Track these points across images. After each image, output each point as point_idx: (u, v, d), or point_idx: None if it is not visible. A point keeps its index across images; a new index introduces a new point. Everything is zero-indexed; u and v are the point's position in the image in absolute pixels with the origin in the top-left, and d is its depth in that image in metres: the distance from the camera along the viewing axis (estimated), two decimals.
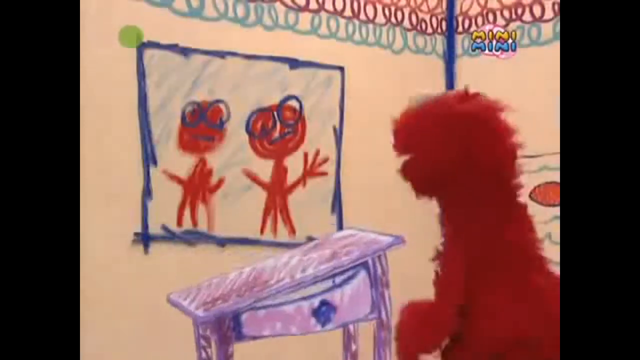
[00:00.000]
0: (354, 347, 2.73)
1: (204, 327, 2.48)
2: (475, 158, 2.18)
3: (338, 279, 2.49)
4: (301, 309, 2.45)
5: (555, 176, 3.97)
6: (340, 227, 3.89)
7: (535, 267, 2.22)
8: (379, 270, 2.57)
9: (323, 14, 3.97)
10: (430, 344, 2.22)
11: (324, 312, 2.48)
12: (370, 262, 2.56)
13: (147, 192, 3.46)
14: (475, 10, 4.35)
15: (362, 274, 2.54)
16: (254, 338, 2.46)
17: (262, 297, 2.45)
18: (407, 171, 2.26)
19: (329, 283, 2.48)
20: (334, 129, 3.98)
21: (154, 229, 3.46)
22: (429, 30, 4.35)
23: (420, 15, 4.32)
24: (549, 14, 4.12)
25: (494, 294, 2.16)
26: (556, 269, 2.19)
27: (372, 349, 2.60)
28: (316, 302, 2.46)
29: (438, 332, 2.21)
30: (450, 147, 2.17)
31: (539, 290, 2.16)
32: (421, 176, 2.24)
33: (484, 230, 2.20)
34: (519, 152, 2.29)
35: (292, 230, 3.79)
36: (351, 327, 2.71)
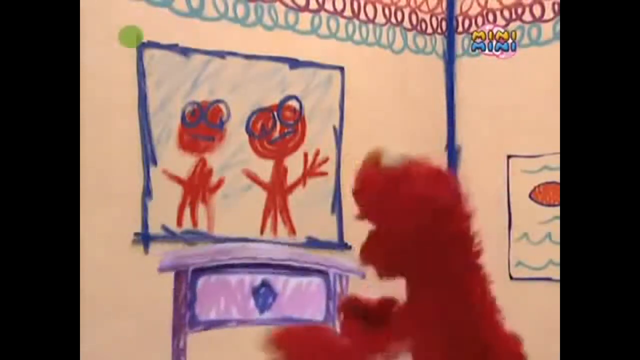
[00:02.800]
0: None
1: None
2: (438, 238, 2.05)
3: (289, 270, 2.56)
4: (243, 282, 2.57)
5: (555, 176, 3.98)
6: (340, 227, 3.89)
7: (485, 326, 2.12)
8: (338, 288, 2.61)
9: (323, 14, 3.97)
10: None
11: (262, 293, 2.60)
12: (331, 275, 2.62)
13: (147, 192, 3.46)
14: (475, 10, 4.35)
15: (318, 280, 2.60)
16: (205, 326, 2.48)
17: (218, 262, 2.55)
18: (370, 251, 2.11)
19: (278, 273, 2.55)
20: (334, 129, 3.98)
21: (154, 229, 3.46)
22: (429, 30, 4.35)
23: (420, 15, 4.32)
24: (549, 14, 4.12)
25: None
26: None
27: None
28: (258, 279, 2.59)
29: None
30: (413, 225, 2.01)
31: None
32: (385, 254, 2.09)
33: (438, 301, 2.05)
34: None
35: (292, 230, 3.78)
36: None
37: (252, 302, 2.52)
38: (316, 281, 2.61)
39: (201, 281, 2.49)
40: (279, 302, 2.54)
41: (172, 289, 2.42)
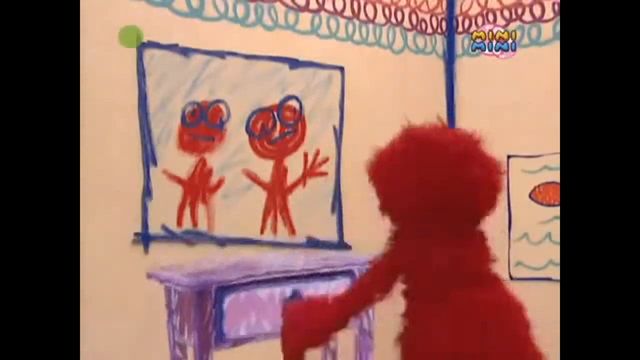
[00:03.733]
0: (332, 345, 2.76)
1: (180, 324, 2.48)
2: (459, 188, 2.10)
3: (317, 276, 2.63)
4: (273, 295, 2.54)
5: (555, 176, 3.98)
6: (340, 227, 3.89)
7: (480, 283, 2.13)
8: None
9: (323, 14, 3.97)
10: (317, 338, 2.18)
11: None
12: (356, 272, 2.72)
13: (147, 192, 3.46)
14: (475, 10, 4.35)
15: (345, 282, 2.67)
16: (233, 342, 2.47)
17: (245, 278, 2.55)
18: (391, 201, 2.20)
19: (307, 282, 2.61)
20: (334, 129, 3.98)
21: (154, 229, 3.46)
22: (429, 30, 4.35)
23: (420, 15, 4.32)
24: (549, 14, 4.13)
25: (433, 310, 2.10)
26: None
27: (352, 350, 2.62)
28: (288, 290, 2.56)
29: (324, 327, 2.17)
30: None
31: (479, 305, 2.08)
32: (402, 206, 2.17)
33: (428, 247, 2.12)
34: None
35: (292, 230, 3.79)
36: None
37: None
38: (344, 282, 2.64)
39: (228, 299, 2.48)
40: None
41: (193, 305, 2.39)
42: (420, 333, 2.09)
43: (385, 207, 2.22)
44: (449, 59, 4.38)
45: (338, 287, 2.61)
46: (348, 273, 2.70)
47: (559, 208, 3.86)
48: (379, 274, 2.20)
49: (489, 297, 2.09)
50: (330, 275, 2.66)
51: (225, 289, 2.46)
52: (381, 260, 2.22)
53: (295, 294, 2.58)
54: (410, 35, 4.28)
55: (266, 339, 2.53)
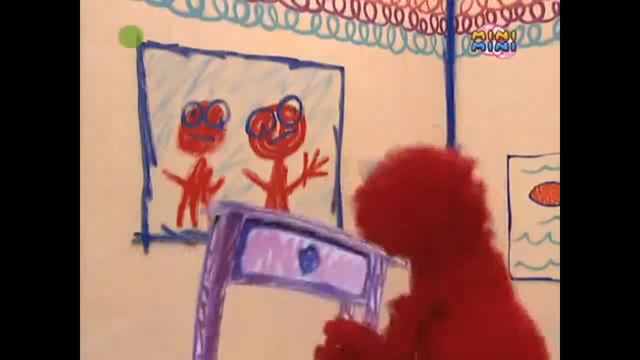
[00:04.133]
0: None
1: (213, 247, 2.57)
2: (457, 211, 2.01)
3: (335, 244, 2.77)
4: (292, 243, 2.68)
5: (555, 176, 3.98)
6: (340, 227, 3.89)
7: (500, 298, 2.09)
8: (378, 269, 2.82)
9: (323, 14, 3.97)
10: None
11: (309, 256, 2.71)
12: (372, 258, 2.80)
13: (147, 192, 3.46)
14: (475, 10, 4.35)
15: (360, 259, 2.80)
16: (249, 279, 2.58)
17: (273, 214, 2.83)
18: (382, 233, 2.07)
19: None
20: (334, 129, 3.98)
21: (154, 229, 3.46)
22: (429, 30, 4.35)
23: (420, 15, 4.32)
24: (549, 14, 4.13)
25: (453, 326, 2.05)
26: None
27: None
28: (306, 243, 2.70)
29: None
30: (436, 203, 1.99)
31: (501, 321, 2.05)
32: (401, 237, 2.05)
33: (447, 268, 2.02)
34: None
35: None
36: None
37: (296, 262, 2.71)
38: (358, 259, 2.81)
39: (253, 232, 2.61)
40: (322, 268, 2.74)
41: (223, 233, 2.51)
42: (433, 350, 2.04)
43: (388, 250, 2.16)
44: (449, 59, 4.38)
45: (351, 260, 2.77)
46: (363, 254, 2.80)
47: (559, 208, 3.86)
48: (415, 310, 2.06)
49: (514, 313, 2.04)
50: (347, 248, 2.78)
51: (253, 221, 2.59)
52: (412, 294, 2.09)
53: (312, 248, 2.71)
54: (410, 35, 4.28)
55: (278, 285, 2.67)
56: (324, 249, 2.72)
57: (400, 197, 2.00)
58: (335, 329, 2.23)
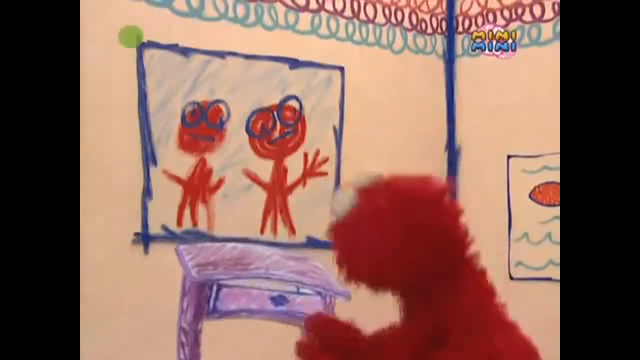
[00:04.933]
0: None
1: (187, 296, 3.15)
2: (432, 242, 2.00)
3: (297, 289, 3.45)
4: (263, 293, 3.30)
5: (555, 176, 3.98)
6: None
7: (495, 330, 2.08)
8: (329, 303, 3.47)
9: (323, 14, 3.97)
10: None
11: (279, 300, 3.34)
12: (324, 294, 3.42)
13: (147, 192, 3.46)
14: (475, 10, 4.35)
15: (317, 298, 3.40)
16: (223, 315, 3.04)
17: (239, 277, 3.34)
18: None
19: (289, 286, 3.45)
20: (334, 129, 3.97)
21: (154, 229, 3.46)
22: (429, 30, 4.35)
23: (420, 15, 4.32)
24: (549, 14, 4.12)
25: (452, 357, 2.00)
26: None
27: None
28: (275, 293, 3.33)
29: None
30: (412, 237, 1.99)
31: (497, 353, 2.04)
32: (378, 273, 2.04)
33: (438, 304, 2.04)
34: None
35: (292, 230, 3.79)
36: None
37: (268, 302, 3.34)
38: (316, 299, 3.51)
39: (224, 290, 3.27)
40: (289, 306, 3.41)
41: (195, 290, 2.98)
42: None
43: (374, 288, 2.13)
44: (449, 59, 4.38)
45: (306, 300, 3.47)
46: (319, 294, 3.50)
47: (559, 208, 3.86)
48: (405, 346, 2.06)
49: (511, 345, 2.03)
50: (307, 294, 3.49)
51: (223, 285, 3.15)
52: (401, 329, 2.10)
53: (280, 295, 3.34)
54: (410, 35, 4.27)
55: (250, 316, 3.20)
56: (291, 296, 3.32)
57: (382, 236, 2.00)
58: (313, 323, 2.23)
